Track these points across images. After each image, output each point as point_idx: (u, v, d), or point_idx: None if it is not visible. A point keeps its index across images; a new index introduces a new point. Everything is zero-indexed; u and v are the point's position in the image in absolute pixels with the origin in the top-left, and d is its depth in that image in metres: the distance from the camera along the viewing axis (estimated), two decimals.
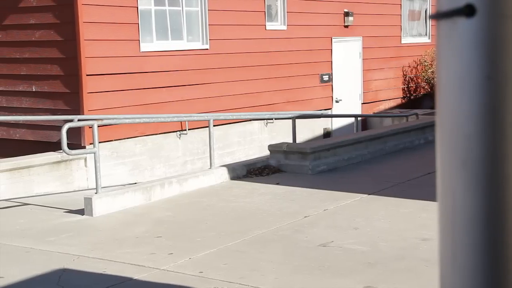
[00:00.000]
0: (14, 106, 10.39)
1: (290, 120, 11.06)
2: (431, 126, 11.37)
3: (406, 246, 5.81)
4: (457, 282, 1.02)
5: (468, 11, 0.99)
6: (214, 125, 9.55)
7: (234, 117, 11.19)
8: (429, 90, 16.44)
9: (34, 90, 10.18)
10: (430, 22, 16.95)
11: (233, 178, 8.93)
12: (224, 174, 8.88)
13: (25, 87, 10.27)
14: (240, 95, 12.09)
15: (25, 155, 9.36)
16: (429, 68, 16.10)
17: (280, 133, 12.67)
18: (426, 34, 17.00)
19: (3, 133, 10.53)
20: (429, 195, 7.25)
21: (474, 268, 1.01)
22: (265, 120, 12.57)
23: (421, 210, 6.96)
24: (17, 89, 10.35)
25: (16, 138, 10.40)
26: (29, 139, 10.25)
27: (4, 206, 8.11)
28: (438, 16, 1.05)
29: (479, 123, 1.00)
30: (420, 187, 8.04)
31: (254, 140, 12.52)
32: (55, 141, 9.73)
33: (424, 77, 16.30)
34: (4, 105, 10.51)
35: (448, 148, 1.03)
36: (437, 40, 1.08)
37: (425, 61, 16.26)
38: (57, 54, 9.85)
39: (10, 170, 8.83)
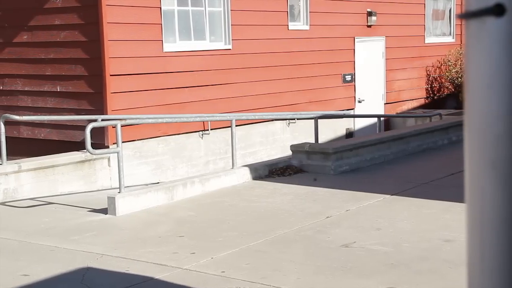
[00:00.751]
0: (39, 106, 10.51)
1: (312, 120, 11.04)
2: (454, 126, 11.27)
3: (429, 247, 5.77)
4: (485, 283, 1.02)
5: (498, 10, 0.99)
6: (236, 125, 9.57)
7: (256, 117, 11.19)
8: (452, 90, 16.30)
9: (58, 90, 10.29)
10: (454, 22, 16.81)
11: (255, 178, 8.93)
12: (246, 174, 8.89)
13: (50, 87, 10.38)
14: (262, 95, 12.09)
15: (49, 155, 9.46)
16: (453, 68, 15.96)
17: (302, 133, 12.65)
18: (450, 34, 16.86)
19: (28, 132, 10.66)
20: (453, 196, 7.19)
21: (503, 269, 1.00)
22: (287, 120, 12.55)
23: (445, 211, 6.91)
24: (42, 89, 10.46)
25: (41, 137, 10.51)
26: (54, 139, 10.35)
27: (29, 205, 8.21)
28: (467, 15, 1.04)
29: (508, 122, 0.99)
30: (443, 188, 7.98)
31: (276, 140, 12.52)
32: (79, 140, 9.82)
33: (447, 77, 16.16)
34: (30, 105, 10.63)
35: (477, 148, 1.03)
36: (466, 40, 1.07)
37: (449, 61, 16.13)
38: (82, 54, 9.94)
39: (35, 169, 8.93)
